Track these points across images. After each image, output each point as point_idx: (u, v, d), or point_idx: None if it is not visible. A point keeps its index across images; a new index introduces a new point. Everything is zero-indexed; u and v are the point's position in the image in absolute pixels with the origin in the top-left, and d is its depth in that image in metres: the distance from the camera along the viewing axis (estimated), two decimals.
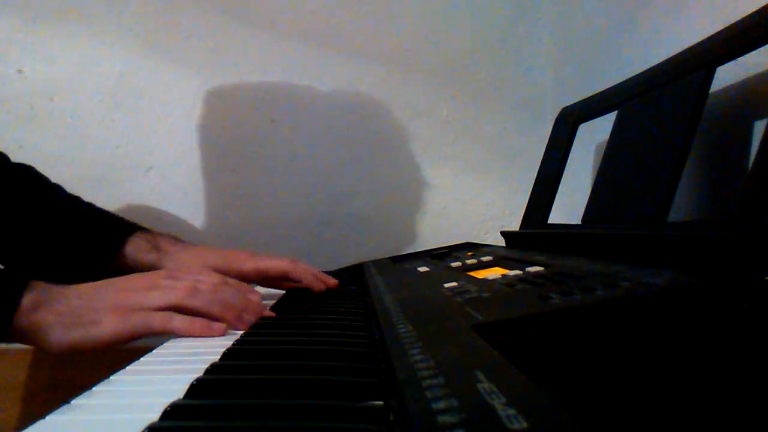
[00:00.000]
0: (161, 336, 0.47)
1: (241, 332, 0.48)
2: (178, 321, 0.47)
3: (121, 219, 0.79)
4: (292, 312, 0.58)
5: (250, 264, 0.71)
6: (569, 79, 1.05)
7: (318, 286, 0.69)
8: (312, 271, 0.72)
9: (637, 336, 0.26)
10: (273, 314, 0.54)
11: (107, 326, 0.46)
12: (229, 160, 1.10)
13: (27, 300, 0.45)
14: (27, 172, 0.79)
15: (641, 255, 0.44)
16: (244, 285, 0.62)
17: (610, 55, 0.87)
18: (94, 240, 0.75)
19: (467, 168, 1.13)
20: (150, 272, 0.56)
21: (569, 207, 0.88)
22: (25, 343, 0.46)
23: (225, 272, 0.67)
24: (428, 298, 0.42)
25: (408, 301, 0.42)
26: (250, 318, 0.50)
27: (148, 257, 0.73)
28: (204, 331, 0.47)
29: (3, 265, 0.73)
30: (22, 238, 0.73)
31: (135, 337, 0.46)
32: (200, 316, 0.48)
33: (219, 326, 0.47)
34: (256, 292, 0.60)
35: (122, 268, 0.74)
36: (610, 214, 0.58)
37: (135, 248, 0.74)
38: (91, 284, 0.49)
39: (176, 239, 0.77)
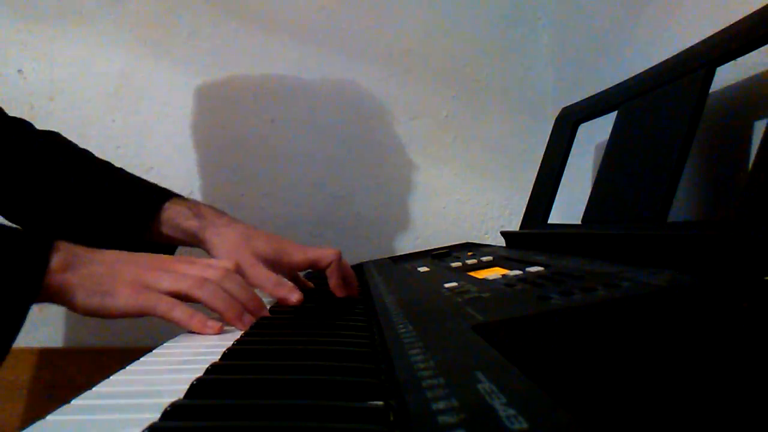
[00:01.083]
0: (165, 323, 0.48)
1: (242, 332, 0.48)
2: (179, 312, 0.48)
3: (156, 185, 0.75)
4: (292, 312, 0.58)
5: (300, 255, 0.67)
6: (569, 79, 1.05)
7: (339, 293, 0.66)
8: (345, 270, 0.68)
9: (638, 336, 0.26)
10: (268, 314, 0.54)
11: (120, 299, 0.47)
12: (229, 160, 1.10)
13: (55, 260, 0.47)
14: (53, 138, 0.77)
15: (641, 255, 0.44)
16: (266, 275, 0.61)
17: (610, 55, 0.87)
18: (128, 205, 0.70)
19: (467, 168, 1.13)
20: (171, 256, 0.57)
21: (569, 207, 0.88)
22: (54, 303, 0.48)
23: (274, 263, 0.65)
24: (428, 298, 0.42)
25: (408, 301, 0.42)
26: (250, 319, 0.51)
27: (189, 223, 0.68)
28: (200, 327, 0.48)
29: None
30: (53, 205, 0.71)
31: (142, 314, 0.48)
32: (204, 307, 0.49)
33: (213, 325, 0.48)
34: (298, 292, 0.59)
35: (161, 234, 0.70)
36: (610, 214, 0.58)
37: (175, 213, 0.69)
38: (115, 253, 0.51)
39: (219, 211, 0.72)
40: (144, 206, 0.70)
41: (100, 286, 0.47)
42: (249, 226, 0.70)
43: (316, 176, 1.11)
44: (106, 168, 0.76)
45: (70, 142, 0.77)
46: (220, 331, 0.48)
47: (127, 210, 0.70)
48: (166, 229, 0.69)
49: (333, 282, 0.66)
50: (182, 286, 0.49)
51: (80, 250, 0.49)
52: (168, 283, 0.49)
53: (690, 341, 0.24)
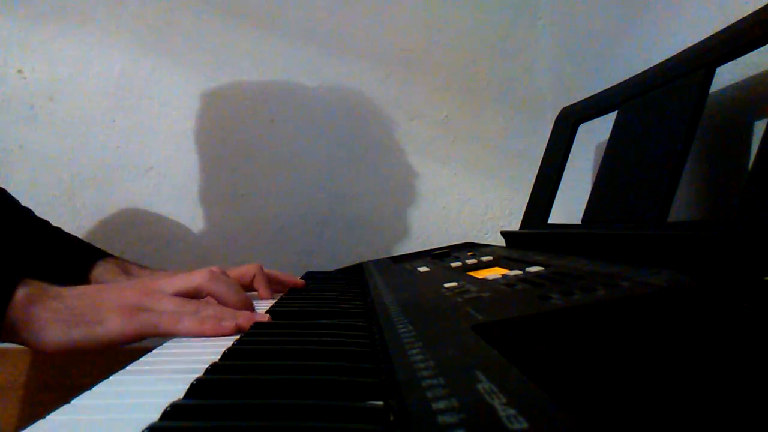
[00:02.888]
0: (164, 338, 0.46)
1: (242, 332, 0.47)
2: (187, 321, 0.45)
3: (89, 244, 0.82)
4: (292, 312, 0.58)
5: None
6: (569, 79, 1.05)
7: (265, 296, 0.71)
8: (276, 277, 0.74)
9: (637, 336, 0.26)
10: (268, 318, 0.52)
11: (112, 325, 0.45)
12: (229, 160, 1.10)
13: (21, 293, 0.45)
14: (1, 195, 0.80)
15: (641, 255, 0.44)
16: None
17: (610, 55, 0.87)
18: (64, 262, 0.76)
19: (467, 168, 1.13)
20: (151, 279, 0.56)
21: (569, 207, 0.88)
22: (17, 342, 0.45)
23: None
24: (428, 298, 0.42)
25: (408, 301, 0.42)
26: (243, 322, 0.48)
27: (117, 279, 0.74)
28: (215, 329, 0.45)
29: None
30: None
31: (141, 337, 0.45)
32: (220, 300, 0.49)
33: (228, 324, 0.46)
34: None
35: None
36: (610, 214, 0.58)
37: (104, 270, 0.75)
38: (89, 286, 0.50)
39: (144, 266, 0.80)
40: (77, 265, 0.76)
41: (82, 316, 0.45)
42: (170, 271, 0.77)
43: (316, 176, 1.11)
44: (44, 228, 0.82)
45: (13, 200, 0.81)
46: (236, 330, 0.46)
47: (62, 268, 0.75)
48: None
49: (261, 290, 0.71)
50: (195, 281, 0.48)
51: (50, 286, 0.47)
52: (171, 287, 0.47)
53: (690, 341, 0.24)
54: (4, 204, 0.79)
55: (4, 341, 0.45)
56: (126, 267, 0.77)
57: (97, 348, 0.45)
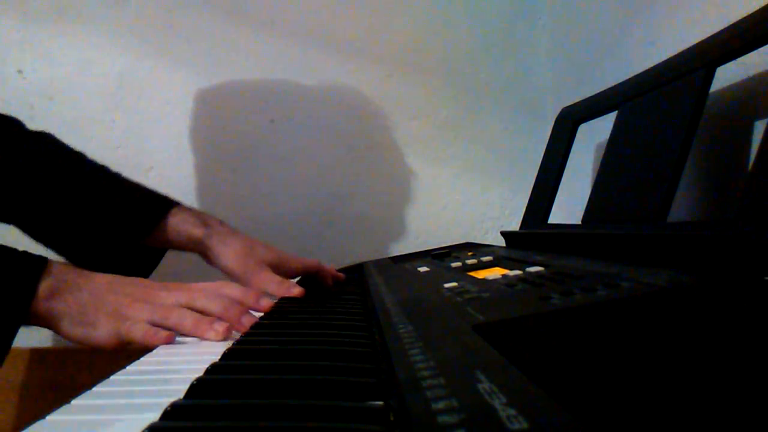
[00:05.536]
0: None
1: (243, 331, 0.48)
2: (162, 335, 0.46)
3: (157, 192, 0.75)
4: (292, 312, 0.58)
5: (297, 263, 0.74)
6: (569, 79, 1.05)
7: (337, 278, 0.78)
8: (332, 272, 0.79)
9: (638, 336, 0.26)
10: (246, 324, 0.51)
11: (101, 331, 0.47)
12: (229, 160, 1.10)
13: (44, 286, 0.47)
14: (47, 138, 0.75)
15: (641, 255, 0.44)
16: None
17: (610, 55, 0.87)
18: (134, 210, 0.71)
19: (467, 168, 1.13)
20: (158, 282, 0.54)
21: (569, 207, 0.88)
22: (42, 327, 0.48)
23: (276, 269, 0.70)
24: (428, 298, 0.42)
25: (408, 301, 0.42)
26: (223, 326, 0.47)
27: (196, 231, 0.70)
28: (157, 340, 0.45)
29: (38, 239, 0.71)
30: (49, 205, 0.70)
31: (123, 344, 0.47)
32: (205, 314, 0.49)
33: (163, 334, 0.45)
34: (297, 287, 0.64)
35: (163, 239, 0.71)
36: (610, 214, 0.58)
37: (181, 220, 0.71)
38: (106, 280, 0.50)
39: (221, 220, 0.74)
40: (150, 212, 0.71)
41: (84, 315, 0.48)
42: (248, 236, 0.74)
43: (316, 176, 1.11)
44: (104, 171, 0.76)
45: (64, 144, 0.76)
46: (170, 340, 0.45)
47: (131, 215, 0.71)
48: (170, 235, 0.71)
49: (330, 279, 0.77)
50: (155, 317, 0.47)
51: (70, 275, 0.49)
52: (146, 314, 0.48)
53: (690, 341, 0.24)
54: (49, 148, 0.74)
55: (30, 325, 0.48)
56: (204, 218, 0.72)
57: (94, 348, 0.48)
